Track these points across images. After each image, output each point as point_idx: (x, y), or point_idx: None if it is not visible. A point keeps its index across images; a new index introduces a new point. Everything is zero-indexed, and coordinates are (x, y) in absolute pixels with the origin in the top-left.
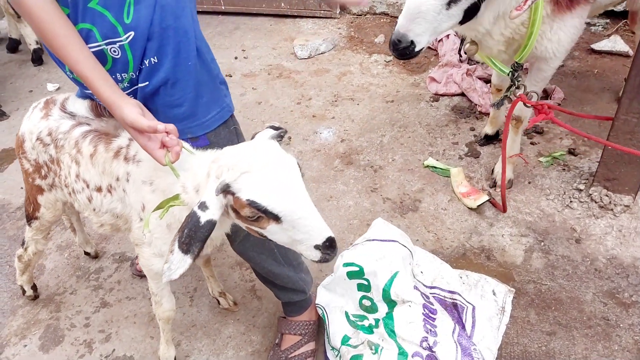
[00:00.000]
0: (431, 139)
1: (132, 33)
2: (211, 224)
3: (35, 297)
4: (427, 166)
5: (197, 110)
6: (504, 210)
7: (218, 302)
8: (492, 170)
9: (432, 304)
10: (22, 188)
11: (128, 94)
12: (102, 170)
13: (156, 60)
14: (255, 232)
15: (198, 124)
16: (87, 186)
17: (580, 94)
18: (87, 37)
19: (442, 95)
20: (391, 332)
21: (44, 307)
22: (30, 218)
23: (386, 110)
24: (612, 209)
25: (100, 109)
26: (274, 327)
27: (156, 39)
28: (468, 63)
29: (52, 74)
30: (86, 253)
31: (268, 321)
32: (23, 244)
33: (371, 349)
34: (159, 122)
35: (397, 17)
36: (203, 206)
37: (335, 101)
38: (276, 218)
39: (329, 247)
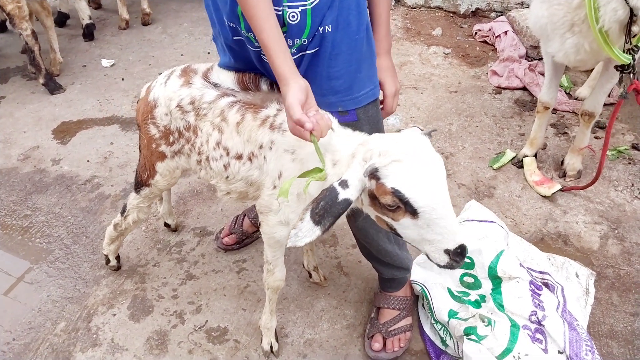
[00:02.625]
0: (498, 129)
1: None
2: (347, 203)
3: (118, 267)
4: (497, 167)
5: (353, 84)
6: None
7: (310, 275)
8: (562, 162)
9: (537, 281)
10: (88, 161)
11: (295, 60)
12: (247, 138)
13: (330, 30)
14: (384, 223)
15: (351, 99)
16: (227, 154)
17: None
18: None
19: (504, 88)
20: (500, 306)
21: (128, 277)
22: (141, 185)
23: (450, 100)
24: None
25: (246, 82)
26: (366, 303)
27: (335, 8)
28: (527, 59)
29: (104, 50)
30: (166, 225)
31: (359, 296)
32: (123, 211)
33: (483, 321)
34: (308, 119)
35: (451, 12)
36: (344, 184)
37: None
38: (414, 213)
39: (459, 255)
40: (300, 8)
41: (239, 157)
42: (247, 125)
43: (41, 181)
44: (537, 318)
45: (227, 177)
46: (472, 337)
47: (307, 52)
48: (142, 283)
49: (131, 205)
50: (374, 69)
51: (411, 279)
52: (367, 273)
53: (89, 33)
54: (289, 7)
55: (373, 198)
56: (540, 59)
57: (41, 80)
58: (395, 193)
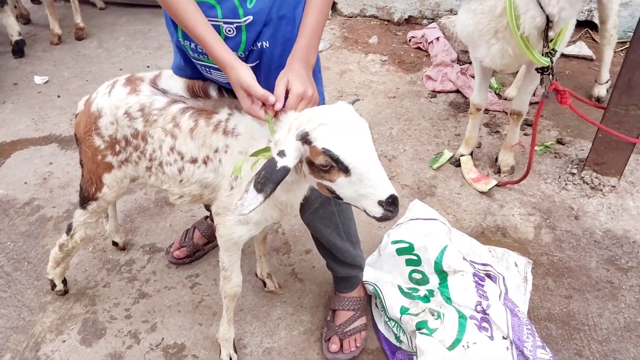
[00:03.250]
0: (435, 131)
1: (251, 17)
2: (286, 170)
3: (66, 292)
4: (436, 167)
5: None
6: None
7: (264, 284)
8: (496, 159)
9: (480, 272)
10: (25, 183)
11: None
12: (202, 143)
13: (267, 45)
14: (324, 188)
15: None
16: (182, 158)
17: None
18: (208, 11)
19: (439, 92)
20: (447, 299)
21: (77, 301)
22: (88, 199)
23: (390, 105)
24: (601, 190)
25: (196, 90)
26: (321, 307)
27: (271, 26)
28: (459, 63)
29: (36, 66)
30: (114, 243)
31: (314, 301)
32: (69, 231)
33: (433, 315)
34: (270, 93)
35: (385, 20)
36: (282, 153)
37: (341, 96)
38: (346, 170)
39: (392, 204)
40: (235, 24)
41: (194, 160)
42: (200, 131)
43: None
44: (482, 308)
45: (181, 181)
46: (424, 330)
47: (248, 64)
48: (92, 305)
49: (78, 222)
50: (315, 79)
51: (363, 279)
52: (320, 277)
53: (19, 49)
54: (224, 22)
55: (310, 165)
56: (471, 62)
57: None
58: (326, 152)
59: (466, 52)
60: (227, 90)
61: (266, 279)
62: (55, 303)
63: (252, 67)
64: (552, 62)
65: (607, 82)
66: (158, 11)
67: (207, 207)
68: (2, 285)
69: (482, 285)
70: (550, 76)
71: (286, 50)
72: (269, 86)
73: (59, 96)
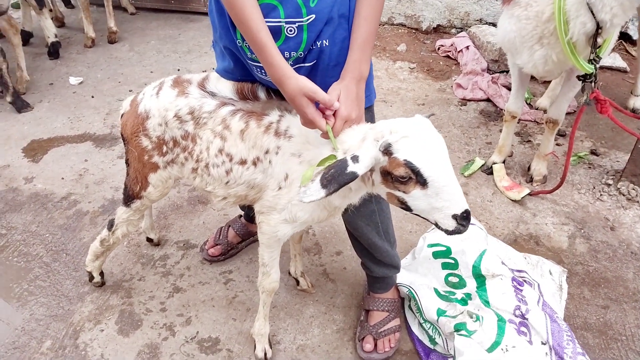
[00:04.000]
0: (466, 139)
1: (314, 16)
2: (354, 175)
3: (102, 283)
4: (468, 174)
5: None
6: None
7: (297, 282)
8: (528, 168)
9: (517, 278)
10: (62, 179)
11: None
12: (253, 145)
13: (327, 44)
14: (394, 198)
15: None
16: (230, 160)
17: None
18: (270, 12)
19: (469, 100)
20: (486, 303)
21: (113, 293)
22: (132, 198)
23: (419, 112)
24: (638, 201)
25: (245, 92)
26: (353, 307)
27: (332, 25)
28: (489, 72)
29: (71, 68)
30: (148, 240)
31: (346, 301)
32: (111, 226)
33: (471, 317)
34: (334, 99)
35: (414, 29)
36: (355, 159)
37: None
38: (424, 183)
39: (465, 219)
40: (297, 24)
41: (243, 162)
42: (251, 133)
43: (14, 200)
44: (521, 312)
45: (227, 182)
46: (463, 332)
47: (305, 64)
48: (128, 298)
49: (121, 219)
50: (368, 78)
51: (397, 282)
52: (352, 279)
53: (54, 51)
54: (286, 22)
55: (385, 175)
56: (501, 71)
57: (8, 99)
58: (408, 164)
59: (496, 61)
60: (274, 92)
61: (300, 277)
62: (92, 294)
63: (309, 67)
64: (595, 69)
65: None
66: (187, 16)
67: (242, 207)
68: (42, 275)
69: (521, 290)
70: (593, 84)
71: (344, 49)
72: (325, 85)
73: (92, 96)
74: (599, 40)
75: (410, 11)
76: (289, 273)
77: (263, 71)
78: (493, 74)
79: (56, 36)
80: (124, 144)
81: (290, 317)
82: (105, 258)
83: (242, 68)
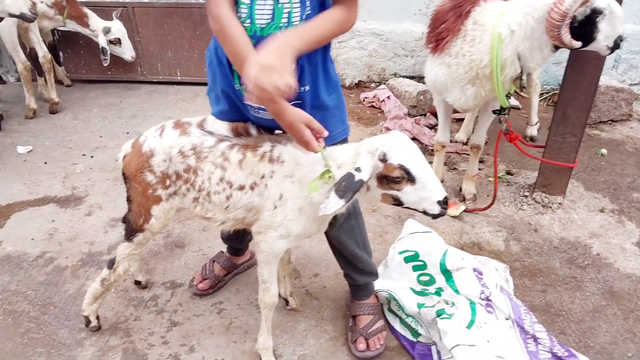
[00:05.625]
0: None
1: (295, 64)
2: (361, 182)
3: (99, 327)
4: None
5: (328, 126)
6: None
7: (287, 302)
8: (460, 189)
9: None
10: (32, 239)
11: None
12: (250, 172)
13: (308, 89)
14: (389, 197)
15: (328, 137)
16: (230, 186)
17: (494, 136)
18: None
19: None
20: (456, 291)
21: (112, 334)
22: (135, 231)
23: None
24: (550, 207)
25: (239, 130)
26: (340, 318)
27: (308, 73)
28: (409, 116)
29: (15, 138)
30: (136, 282)
31: (333, 314)
32: (112, 264)
33: (447, 304)
34: (323, 128)
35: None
36: (358, 170)
37: None
38: (413, 180)
39: (445, 203)
40: None
41: (242, 187)
42: (249, 162)
43: None
44: (486, 295)
45: (227, 207)
46: (444, 316)
47: (290, 103)
48: (128, 337)
49: (122, 255)
50: (344, 115)
51: (376, 288)
52: (333, 295)
53: None
54: None
55: (381, 179)
56: (420, 115)
57: None
58: (402, 167)
59: (415, 106)
60: (264, 129)
61: (289, 297)
62: (90, 338)
63: (295, 105)
64: (509, 103)
65: (536, 123)
66: (124, 85)
67: (226, 241)
68: (33, 328)
69: (482, 278)
70: (506, 115)
71: (322, 92)
72: None
73: (45, 163)
74: (518, 81)
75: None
76: (279, 295)
77: (258, 110)
78: (413, 117)
79: None
80: (125, 182)
81: (286, 333)
82: (103, 300)
83: (235, 110)
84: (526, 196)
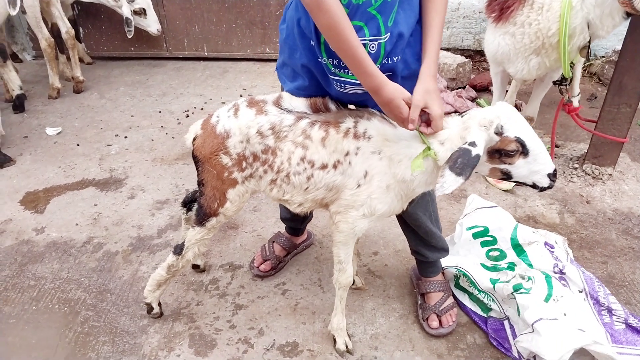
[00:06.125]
0: None
1: (389, 34)
2: (478, 157)
3: (161, 314)
4: None
5: None
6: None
7: (352, 282)
8: None
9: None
10: (77, 225)
11: None
12: (334, 149)
13: (400, 58)
14: (497, 171)
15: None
16: (312, 166)
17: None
18: (357, 32)
19: None
20: (530, 265)
21: (175, 320)
22: (209, 216)
23: None
24: (601, 178)
25: (318, 105)
26: (407, 296)
27: (403, 42)
28: (448, 89)
29: (42, 119)
30: (194, 266)
31: (399, 292)
32: (180, 251)
33: (524, 278)
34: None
35: None
36: (473, 144)
37: None
38: (526, 153)
39: (555, 175)
40: (378, 41)
41: (324, 166)
42: (332, 139)
43: (31, 251)
44: (559, 268)
45: (307, 188)
46: (522, 290)
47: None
48: (192, 322)
49: (192, 240)
50: None
51: (444, 265)
52: (396, 273)
53: (20, 104)
54: (370, 40)
55: (493, 153)
56: (459, 87)
57: None
58: (518, 140)
59: (454, 79)
60: (342, 104)
61: (355, 276)
62: (154, 325)
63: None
64: (571, 73)
65: (578, 94)
66: (149, 62)
67: (285, 221)
68: (93, 316)
69: (553, 252)
70: (567, 86)
71: (413, 63)
72: None
73: (78, 144)
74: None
75: None
76: None
77: (344, 84)
78: (452, 90)
79: (21, 88)
80: (197, 165)
81: (355, 313)
82: (167, 287)
83: (315, 85)
84: (575, 168)
